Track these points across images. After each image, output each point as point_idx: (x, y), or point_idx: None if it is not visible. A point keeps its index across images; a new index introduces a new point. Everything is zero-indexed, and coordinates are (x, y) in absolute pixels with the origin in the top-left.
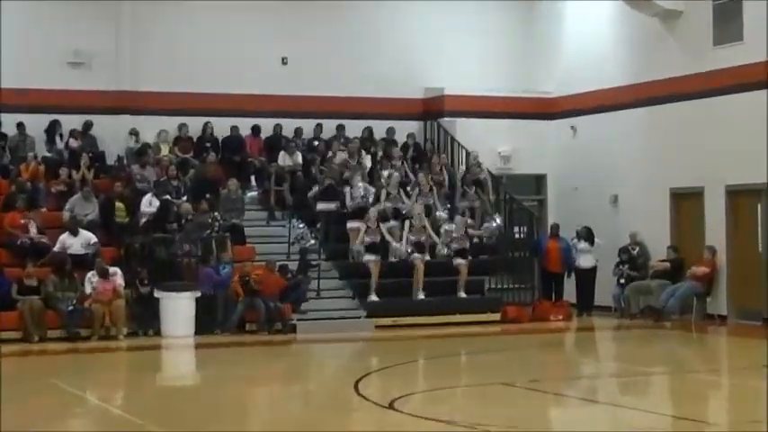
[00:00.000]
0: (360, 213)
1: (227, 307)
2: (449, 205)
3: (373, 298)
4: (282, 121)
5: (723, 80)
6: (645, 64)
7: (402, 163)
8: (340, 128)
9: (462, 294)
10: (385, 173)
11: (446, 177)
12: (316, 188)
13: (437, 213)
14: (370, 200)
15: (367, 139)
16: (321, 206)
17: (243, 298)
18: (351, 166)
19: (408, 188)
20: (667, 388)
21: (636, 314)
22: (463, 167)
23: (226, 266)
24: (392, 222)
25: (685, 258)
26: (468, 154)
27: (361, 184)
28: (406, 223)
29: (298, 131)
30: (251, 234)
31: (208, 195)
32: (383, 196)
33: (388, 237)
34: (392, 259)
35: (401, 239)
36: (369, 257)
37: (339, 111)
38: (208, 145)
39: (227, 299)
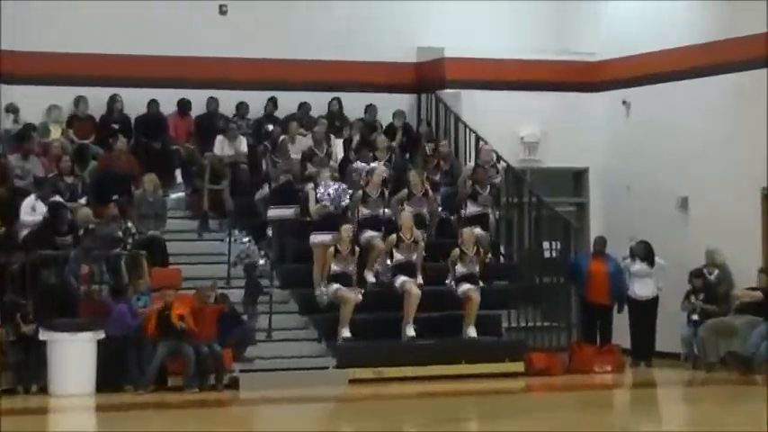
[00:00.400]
0: (329, 223)
1: (142, 354)
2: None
3: (345, 333)
4: (220, 94)
5: None
6: (728, 14)
7: (389, 157)
8: (302, 105)
9: (471, 335)
10: (362, 166)
11: (447, 171)
12: (266, 187)
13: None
14: (344, 203)
15: (336, 116)
16: (274, 212)
17: (164, 341)
18: (316, 156)
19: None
20: None
21: (715, 364)
22: (471, 163)
23: (141, 297)
24: (370, 233)
25: None
26: (478, 141)
27: (330, 182)
28: (392, 237)
29: (241, 108)
30: (176, 251)
31: (116, 197)
32: (359, 199)
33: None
34: (372, 280)
35: (382, 260)
36: (337, 288)
37: (300, 80)
38: (116, 126)
39: (142, 342)
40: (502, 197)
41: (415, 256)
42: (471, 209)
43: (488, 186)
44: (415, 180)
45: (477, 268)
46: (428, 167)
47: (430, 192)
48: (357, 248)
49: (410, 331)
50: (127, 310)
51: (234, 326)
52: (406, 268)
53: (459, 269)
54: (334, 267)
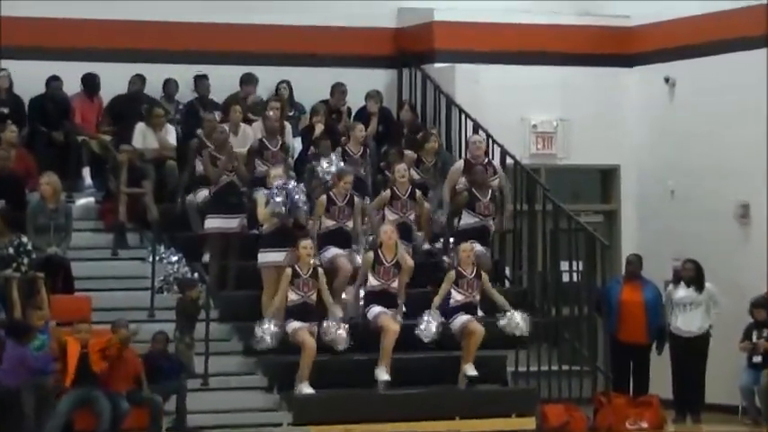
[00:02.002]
0: (283, 238)
1: (42, 406)
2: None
3: (305, 390)
4: (141, 69)
5: None
6: None
7: (363, 151)
8: (247, 79)
9: (470, 373)
10: (325, 164)
11: (437, 170)
12: (203, 191)
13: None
14: (302, 206)
15: (286, 104)
16: (212, 223)
17: (71, 389)
18: (268, 150)
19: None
20: None
21: None
22: (460, 161)
23: (40, 336)
24: (335, 250)
25: None
26: (477, 130)
27: (290, 183)
28: (368, 256)
29: (168, 87)
30: (84, 273)
31: (4, 203)
32: (321, 208)
33: (328, 301)
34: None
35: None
36: (295, 325)
37: (245, 50)
38: (4, 111)
39: (42, 392)
40: (507, 204)
41: (395, 283)
42: (467, 219)
43: (489, 190)
44: (399, 179)
45: (478, 296)
46: (421, 161)
47: (418, 193)
48: (320, 269)
49: (383, 375)
50: (28, 355)
51: (161, 373)
52: (384, 297)
53: (456, 296)
54: (292, 297)
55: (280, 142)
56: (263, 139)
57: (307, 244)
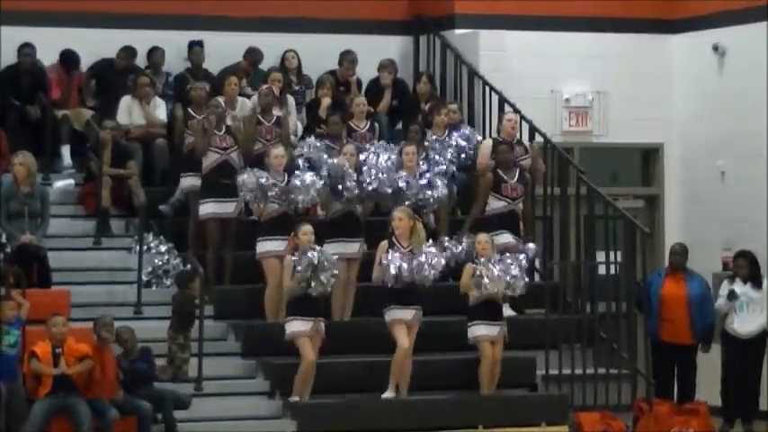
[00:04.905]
0: (286, 225)
1: (13, 411)
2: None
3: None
4: (125, 36)
5: None
6: None
7: (369, 125)
8: (249, 52)
9: (494, 388)
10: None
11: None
12: (194, 172)
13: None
14: (306, 197)
15: (295, 75)
16: (206, 208)
17: (45, 394)
18: (261, 125)
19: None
20: None
21: None
22: (488, 139)
23: (11, 331)
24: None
25: None
26: (503, 105)
27: (294, 179)
28: (382, 245)
29: (154, 57)
30: (62, 264)
31: None
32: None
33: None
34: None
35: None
36: (296, 329)
37: (241, 17)
38: None
39: (15, 395)
40: (538, 187)
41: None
42: (494, 204)
43: (517, 171)
44: (409, 158)
45: (503, 283)
46: (434, 136)
47: (428, 176)
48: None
49: (388, 393)
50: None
51: (148, 377)
52: (403, 292)
53: (475, 294)
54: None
55: (275, 117)
56: (258, 116)
57: (307, 230)
